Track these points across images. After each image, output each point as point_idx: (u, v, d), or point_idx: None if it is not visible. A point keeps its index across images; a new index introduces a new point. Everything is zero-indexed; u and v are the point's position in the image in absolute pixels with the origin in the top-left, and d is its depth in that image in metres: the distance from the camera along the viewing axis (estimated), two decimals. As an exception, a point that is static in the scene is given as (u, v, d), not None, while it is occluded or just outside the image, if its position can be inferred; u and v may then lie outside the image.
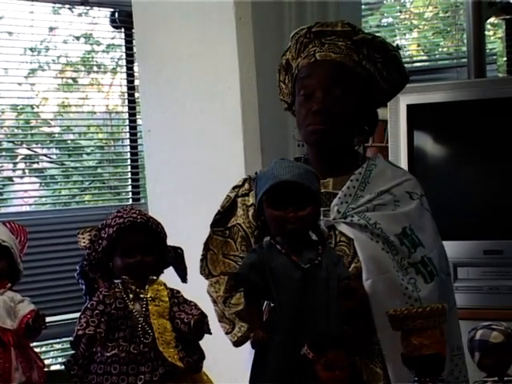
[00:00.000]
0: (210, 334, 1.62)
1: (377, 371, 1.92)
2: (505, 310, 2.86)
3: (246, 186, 2.13)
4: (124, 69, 4.19)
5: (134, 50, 3.97)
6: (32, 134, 4.21)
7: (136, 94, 4.09)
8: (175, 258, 1.71)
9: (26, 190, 4.14)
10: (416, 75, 4.21)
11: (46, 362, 3.69)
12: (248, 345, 1.66)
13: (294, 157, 2.19)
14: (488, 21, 4.20)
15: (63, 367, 1.62)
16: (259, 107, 3.21)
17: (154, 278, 1.69)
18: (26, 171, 4.14)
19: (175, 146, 3.20)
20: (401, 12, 5.03)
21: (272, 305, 1.67)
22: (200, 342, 1.65)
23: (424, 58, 4.96)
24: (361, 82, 2.06)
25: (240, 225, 2.07)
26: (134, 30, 3.71)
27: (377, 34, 2.17)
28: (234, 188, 2.14)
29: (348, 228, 1.96)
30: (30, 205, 4.17)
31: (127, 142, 4.19)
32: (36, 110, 4.16)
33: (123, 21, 4.07)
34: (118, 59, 4.25)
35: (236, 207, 2.10)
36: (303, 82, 2.06)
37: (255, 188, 1.77)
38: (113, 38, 4.23)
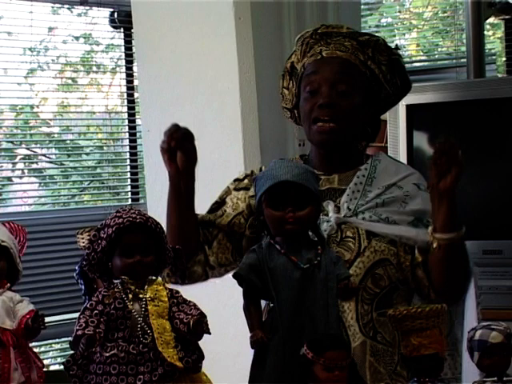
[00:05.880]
0: (210, 334, 1.62)
1: (380, 370, 1.93)
2: (504, 309, 2.86)
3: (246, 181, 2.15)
4: (123, 69, 4.18)
5: (134, 50, 3.97)
6: (31, 134, 4.21)
7: (135, 94, 4.09)
8: (174, 258, 1.71)
9: (25, 190, 4.14)
10: (415, 75, 4.20)
11: (45, 362, 3.69)
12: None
13: (298, 155, 2.20)
14: (487, 21, 4.20)
15: (62, 367, 1.62)
16: (258, 107, 3.21)
17: (154, 278, 1.69)
18: (25, 171, 4.14)
19: (174, 146, 3.20)
20: (400, 12, 5.03)
21: (271, 305, 1.67)
22: (199, 342, 1.65)
23: (423, 58, 4.96)
24: (366, 82, 2.08)
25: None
26: (133, 30, 3.71)
27: (376, 35, 2.18)
28: (234, 181, 2.17)
29: (363, 222, 1.98)
30: (29, 205, 4.17)
31: (126, 142, 4.19)
32: (35, 110, 4.16)
33: (122, 21, 4.07)
34: (118, 59, 4.25)
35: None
36: (309, 78, 2.07)
37: (254, 188, 1.77)
38: (112, 38, 4.23)
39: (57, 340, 3.90)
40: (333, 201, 2.03)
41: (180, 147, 1.97)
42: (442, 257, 1.92)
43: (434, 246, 1.91)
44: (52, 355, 4.01)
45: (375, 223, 1.99)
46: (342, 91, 2.04)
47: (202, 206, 2.10)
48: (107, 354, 1.59)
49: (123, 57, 4.18)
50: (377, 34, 2.21)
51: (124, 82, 4.18)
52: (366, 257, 1.97)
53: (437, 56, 4.94)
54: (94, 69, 4.31)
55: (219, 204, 2.15)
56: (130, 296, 1.63)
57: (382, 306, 1.96)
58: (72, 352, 1.60)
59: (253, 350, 1.66)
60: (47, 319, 1.82)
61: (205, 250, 2.10)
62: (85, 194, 4.38)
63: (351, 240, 1.99)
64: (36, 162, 4.31)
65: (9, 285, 1.85)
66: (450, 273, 1.95)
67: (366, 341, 1.94)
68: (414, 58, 4.93)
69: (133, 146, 4.16)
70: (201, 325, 1.61)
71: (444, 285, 1.95)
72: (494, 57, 4.50)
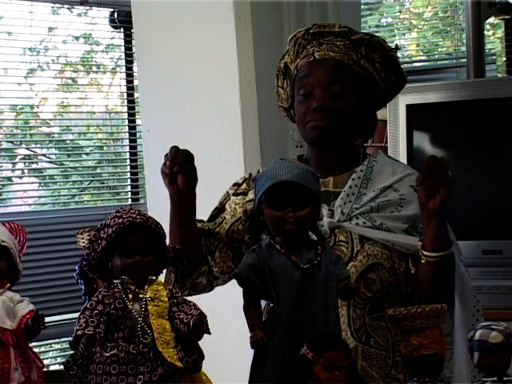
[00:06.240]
0: (210, 334, 1.62)
1: (372, 374, 1.93)
2: (504, 309, 2.86)
3: (244, 185, 2.15)
4: (123, 69, 4.19)
5: (134, 50, 3.97)
6: (31, 134, 4.21)
7: (135, 94, 4.09)
8: (174, 258, 1.71)
9: (25, 190, 4.14)
10: (415, 75, 4.22)
11: (45, 362, 3.69)
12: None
13: (296, 155, 2.20)
14: (487, 21, 4.20)
15: (62, 367, 1.62)
16: (258, 107, 3.21)
17: (153, 278, 1.69)
18: (25, 171, 4.14)
19: (174, 146, 3.21)
20: (400, 12, 5.03)
21: (271, 305, 1.67)
22: (199, 342, 1.65)
23: (423, 58, 4.95)
24: (360, 81, 2.06)
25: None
26: (133, 30, 3.71)
27: (376, 34, 2.17)
28: (233, 185, 2.16)
29: (356, 227, 1.98)
30: (29, 205, 4.17)
31: (126, 142, 4.19)
32: (35, 110, 4.16)
33: (122, 21, 4.07)
34: (118, 59, 4.25)
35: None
36: (302, 81, 2.06)
37: (254, 188, 1.77)
38: (112, 38, 4.23)
39: (57, 340, 3.90)
40: (327, 204, 2.01)
41: (181, 171, 1.97)
42: (429, 271, 1.93)
43: (422, 261, 1.92)
44: (52, 355, 4.01)
45: (368, 229, 1.99)
46: (336, 93, 2.03)
47: (201, 206, 2.10)
48: (107, 354, 1.59)
49: (123, 57, 4.19)
50: (377, 34, 2.21)
51: (124, 82, 4.18)
52: (359, 261, 1.96)
53: (437, 56, 4.94)
54: (94, 69, 4.31)
55: (219, 210, 2.15)
56: (130, 296, 1.63)
57: (375, 311, 1.96)
58: (72, 352, 1.60)
59: (253, 350, 1.66)
60: (47, 319, 1.82)
61: (208, 261, 2.11)
62: (85, 194, 4.38)
63: (344, 244, 1.98)
64: (36, 162, 4.31)
65: (9, 285, 1.85)
66: (438, 286, 1.96)
67: (357, 345, 1.94)
68: (413, 58, 4.93)
69: (133, 146, 4.16)
70: (201, 325, 1.61)
71: (431, 295, 1.95)
72: (494, 57, 4.50)
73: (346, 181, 2.06)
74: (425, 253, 1.91)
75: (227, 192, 2.16)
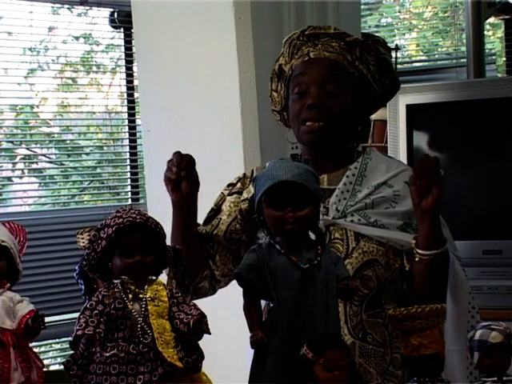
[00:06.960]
0: (210, 334, 1.62)
1: (370, 371, 1.93)
2: (504, 309, 2.86)
3: (239, 184, 2.15)
4: (123, 69, 4.19)
5: (134, 50, 3.97)
6: (31, 134, 4.21)
7: (135, 94, 4.09)
8: (174, 258, 1.71)
9: (25, 190, 4.14)
10: (415, 75, 4.22)
11: (45, 362, 3.69)
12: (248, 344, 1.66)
13: (290, 154, 2.20)
14: (487, 21, 4.20)
15: (62, 367, 1.62)
16: (258, 107, 3.21)
17: (153, 278, 1.69)
18: (25, 171, 4.14)
19: (174, 145, 3.17)
20: (400, 12, 5.03)
21: (271, 305, 1.67)
22: (199, 342, 1.65)
23: (423, 58, 4.96)
24: (355, 82, 2.07)
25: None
26: (133, 30, 3.71)
27: (374, 34, 2.17)
28: (228, 186, 2.17)
29: (351, 224, 1.98)
30: (29, 205, 4.17)
31: (126, 142, 4.19)
32: (35, 110, 4.16)
33: (122, 21, 4.07)
34: (118, 59, 4.25)
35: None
36: (297, 80, 2.07)
37: (254, 188, 1.77)
38: (112, 38, 4.23)
39: (57, 340, 3.90)
40: (322, 202, 2.01)
41: (186, 176, 1.98)
42: (423, 269, 1.94)
43: (416, 259, 1.93)
44: (52, 355, 4.01)
45: (363, 226, 1.99)
46: (331, 92, 2.03)
47: (201, 206, 2.10)
48: (107, 354, 1.59)
49: (123, 57, 4.19)
50: (377, 34, 2.21)
51: (124, 82, 4.18)
52: (355, 258, 1.96)
53: (437, 56, 4.94)
54: (94, 69, 4.31)
55: (215, 212, 2.15)
56: (130, 296, 1.63)
57: (372, 307, 1.97)
58: (72, 352, 1.60)
59: (253, 350, 1.66)
60: (47, 319, 1.82)
61: (209, 265, 2.11)
62: (85, 194, 4.38)
63: (339, 242, 1.98)
64: (36, 162, 4.31)
65: (9, 285, 1.85)
66: (431, 283, 1.96)
67: (354, 342, 1.94)
68: (413, 58, 4.93)
69: (133, 146, 4.16)
70: (201, 325, 1.61)
71: (425, 293, 1.97)
72: (493, 57, 4.50)
73: (340, 178, 2.06)
74: (418, 251, 1.92)
75: (222, 193, 2.17)
